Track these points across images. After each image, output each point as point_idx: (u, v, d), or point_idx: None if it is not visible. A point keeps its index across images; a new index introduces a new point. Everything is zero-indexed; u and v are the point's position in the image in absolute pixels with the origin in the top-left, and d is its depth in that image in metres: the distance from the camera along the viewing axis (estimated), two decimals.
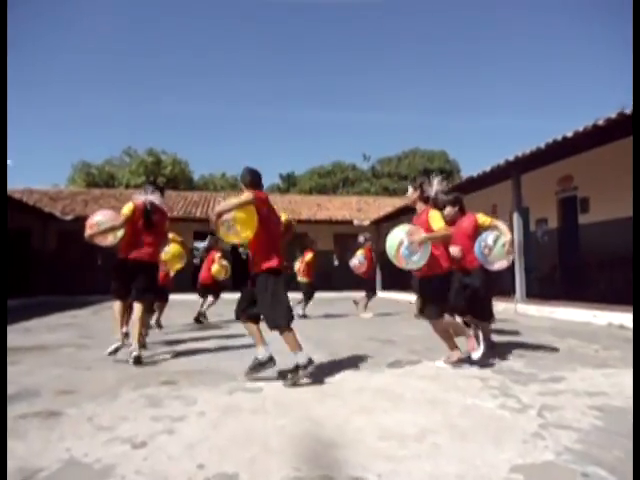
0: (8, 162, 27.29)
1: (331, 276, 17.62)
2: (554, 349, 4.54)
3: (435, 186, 3.94)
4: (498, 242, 4.03)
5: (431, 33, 69.48)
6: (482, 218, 4.35)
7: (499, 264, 4.17)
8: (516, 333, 5.73)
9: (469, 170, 35.51)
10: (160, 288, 5.55)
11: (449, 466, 1.89)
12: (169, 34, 69.78)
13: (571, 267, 10.27)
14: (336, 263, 18.16)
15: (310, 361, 3.27)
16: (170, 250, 5.75)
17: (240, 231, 3.31)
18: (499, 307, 6.25)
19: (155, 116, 68.40)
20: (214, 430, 2.34)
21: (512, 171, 9.16)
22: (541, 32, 62.23)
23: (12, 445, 2.15)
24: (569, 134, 7.34)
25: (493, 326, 6.14)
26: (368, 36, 70.43)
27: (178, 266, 6.10)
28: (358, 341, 5.33)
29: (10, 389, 3.15)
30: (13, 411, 2.66)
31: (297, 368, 3.24)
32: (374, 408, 2.68)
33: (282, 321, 3.32)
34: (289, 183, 40.49)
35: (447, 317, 3.80)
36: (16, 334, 6.22)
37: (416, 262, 3.51)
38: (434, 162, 37.31)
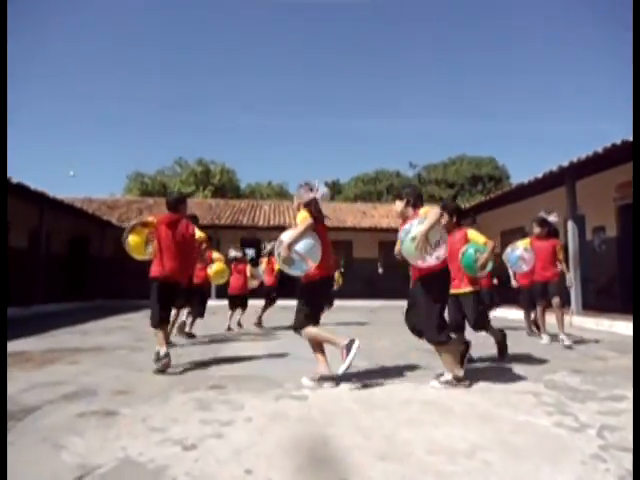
0: (70, 173, 29.04)
1: (375, 284, 17.49)
2: (614, 365, 4.28)
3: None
4: (408, 235, 3.27)
5: (478, 37, 68.07)
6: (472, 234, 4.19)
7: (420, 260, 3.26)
8: (571, 347, 5.45)
9: (519, 177, 34.35)
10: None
11: None
12: (220, 47, 72.16)
13: (631, 278, 9.67)
14: (380, 271, 17.97)
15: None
16: (214, 268, 6.55)
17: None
18: (552, 319, 5.97)
19: (205, 127, 70.74)
20: (261, 436, 2.37)
21: (566, 177, 8.79)
22: (596, 31, 59.48)
23: (73, 441, 2.27)
24: (629, 138, 6.96)
25: (550, 338, 5.91)
26: (414, 42, 69.90)
27: (221, 281, 6.84)
28: (403, 350, 5.24)
29: (70, 388, 3.33)
30: (73, 409, 2.81)
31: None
32: (423, 421, 2.63)
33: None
34: (334, 191, 40.65)
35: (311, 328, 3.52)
36: (75, 336, 6.57)
37: None
38: (482, 169, 36.37)
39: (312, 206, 3.61)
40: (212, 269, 6.50)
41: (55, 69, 65.43)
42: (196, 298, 6.50)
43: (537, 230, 5.97)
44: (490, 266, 4.04)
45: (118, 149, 68.78)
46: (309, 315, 3.52)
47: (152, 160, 51.98)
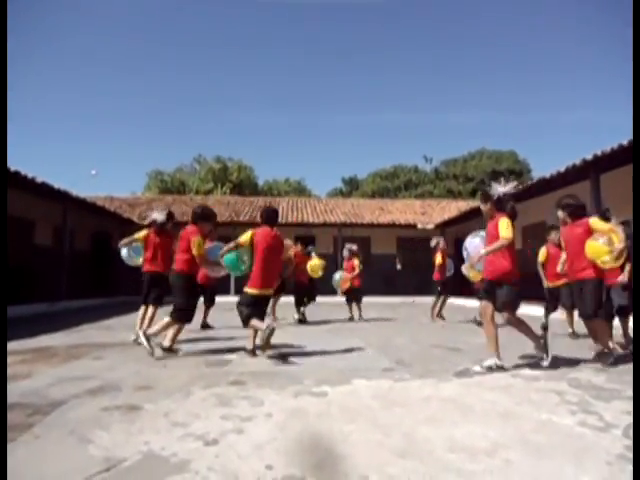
0: (92, 172, 29.60)
1: (394, 280, 17.41)
2: None
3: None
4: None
5: (495, 31, 66.81)
6: None
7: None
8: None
9: (541, 170, 33.71)
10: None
11: None
12: (237, 45, 72.47)
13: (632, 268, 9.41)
14: (399, 267, 17.89)
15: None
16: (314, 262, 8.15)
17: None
18: (576, 317, 5.85)
19: (223, 125, 71.23)
20: (281, 432, 2.39)
21: (590, 171, 8.57)
22: (617, 20, 57.77)
23: (98, 435, 2.32)
24: None
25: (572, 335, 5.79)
26: (428, 36, 69.04)
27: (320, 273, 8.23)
28: (423, 348, 5.21)
29: (94, 383, 3.41)
30: (98, 404, 2.88)
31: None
32: (443, 419, 2.61)
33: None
34: (351, 187, 40.54)
35: None
36: (99, 331, 6.72)
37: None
38: (502, 163, 35.80)
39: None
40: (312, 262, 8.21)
41: (77, 70, 66.67)
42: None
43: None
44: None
45: (139, 148, 69.83)
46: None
47: (172, 158, 52.72)
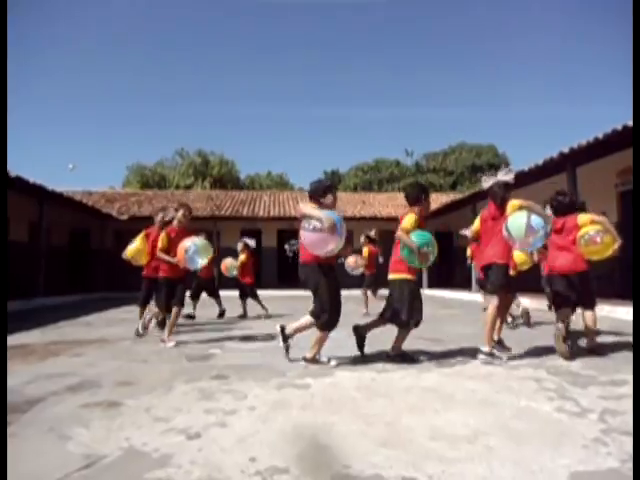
0: (69, 166, 28.93)
1: (377, 273, 17.50)
2: (614, 350, 4.30)
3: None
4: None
5: (475, 25, 67.33)
6: None
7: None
8: (571, 333, 5.45)
9: (520, 164, 34.20)
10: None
11: (503, 470, 1.83)
12: (214, 34, 71.51)
13: (632, 264, 9.67)
14: (381, 260, 17.96)
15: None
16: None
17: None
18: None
19: (204, 118, 70.36)
20: (264, 424, 2.38)
21: (567, 164, 8.74)
22: (599, 11, 58.77)
23: (77, 431, 2.29)
24: (629, 123, 6.91)
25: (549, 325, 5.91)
26: (409, 31, 69.18)
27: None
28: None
29: (74, 380, 3.35)
30: (77, 400, 2.83)
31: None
32: (424, 408, 2.64)
33: None
34: (334, 180, 40.50)
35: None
36: (78, 327, 6.60)
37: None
38: (482, 157, 36.21)
39: None
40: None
41: (52, 62, 64.92)
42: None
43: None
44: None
45: (119, 141, 68.55)
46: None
47: (153, 151, 51.84)
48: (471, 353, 4.22)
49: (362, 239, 9.12)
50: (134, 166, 35.35)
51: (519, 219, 3.84)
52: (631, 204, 9.75)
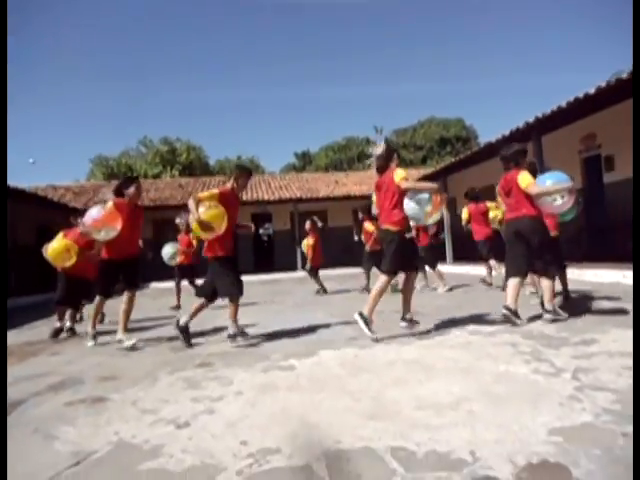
0: (30, 160, 27.85)
1: (352, 251, 17.63)
2: (584, 311, 4.48)
3: None
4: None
5: (443, 2, 67.04)
6: None
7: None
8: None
9: (488, 136, 34.62)
10: None
11: (487, 432, 1.91)
12: (176, 22, 69.07)
13: (598, 227, 10.04)
14: (356, 239, 18.11)
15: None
16: None
17: None
18: None
19: (168, 104, 68.43)
20: (253, 408, 2.41)
21: (532, 133, 8.91)
22: None
23: (64, 430, 2.26)
24: (591, 91, 7.08)
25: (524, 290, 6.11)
26: (378, 9, 68.40)
27: None
28: (385, 314, 5.34)
29: (55, 379, 3.29)
30: (60, 399, 2.79)
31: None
32: (408, 380, 2.72)
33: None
34: (305, 161, 40.29)
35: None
36: (49, 327, 6.44)
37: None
38: (450, 130, 36.54)
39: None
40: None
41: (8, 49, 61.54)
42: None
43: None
44: None
45: (78, 133, 66.12)
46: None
47: (116, 142, 50.31)
48: (450, 324, 4.34)
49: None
50: (97, 159, 34.28)
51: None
52: (594, 170, 10.08)
